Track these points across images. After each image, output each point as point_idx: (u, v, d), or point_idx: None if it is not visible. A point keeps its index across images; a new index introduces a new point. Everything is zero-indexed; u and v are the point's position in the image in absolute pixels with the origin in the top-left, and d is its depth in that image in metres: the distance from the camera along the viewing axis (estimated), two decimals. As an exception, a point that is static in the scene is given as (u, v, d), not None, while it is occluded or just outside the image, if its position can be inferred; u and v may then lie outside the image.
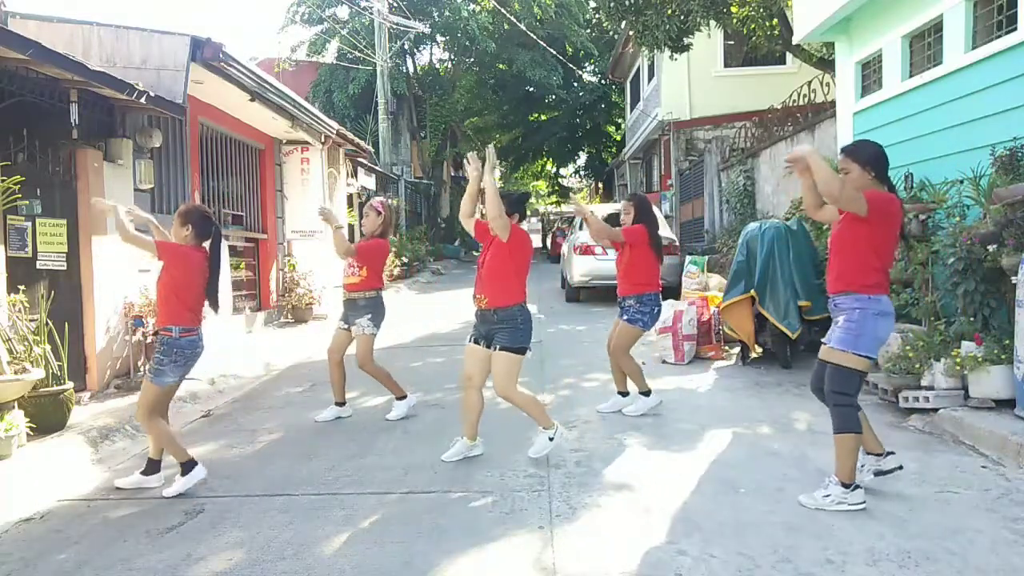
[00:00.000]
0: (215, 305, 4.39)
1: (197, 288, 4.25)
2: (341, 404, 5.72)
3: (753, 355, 7.32)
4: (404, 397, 5.68)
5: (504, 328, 4.36)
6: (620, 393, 5.59)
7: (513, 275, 4.42)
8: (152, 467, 4.31)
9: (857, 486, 3.63)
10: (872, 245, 3.57)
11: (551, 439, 4.47)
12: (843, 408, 3.61)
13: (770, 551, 3.19)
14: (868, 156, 3.66)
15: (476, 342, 4.50)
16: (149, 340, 6.94)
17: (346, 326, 5.59)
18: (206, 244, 4.34)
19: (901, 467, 3.87)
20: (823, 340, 3.75)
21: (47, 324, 5.47)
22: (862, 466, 3.85)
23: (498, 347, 4.36)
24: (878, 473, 3.85)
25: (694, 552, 3.20)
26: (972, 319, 5.18)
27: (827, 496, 3.63)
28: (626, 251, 5.43)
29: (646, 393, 5.51)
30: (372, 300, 5.56)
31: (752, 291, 6.90)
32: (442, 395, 6.36)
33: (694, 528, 3.45)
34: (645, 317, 5.38)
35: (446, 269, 21.59)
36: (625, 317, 5.42)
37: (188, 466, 4.18)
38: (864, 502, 3.60)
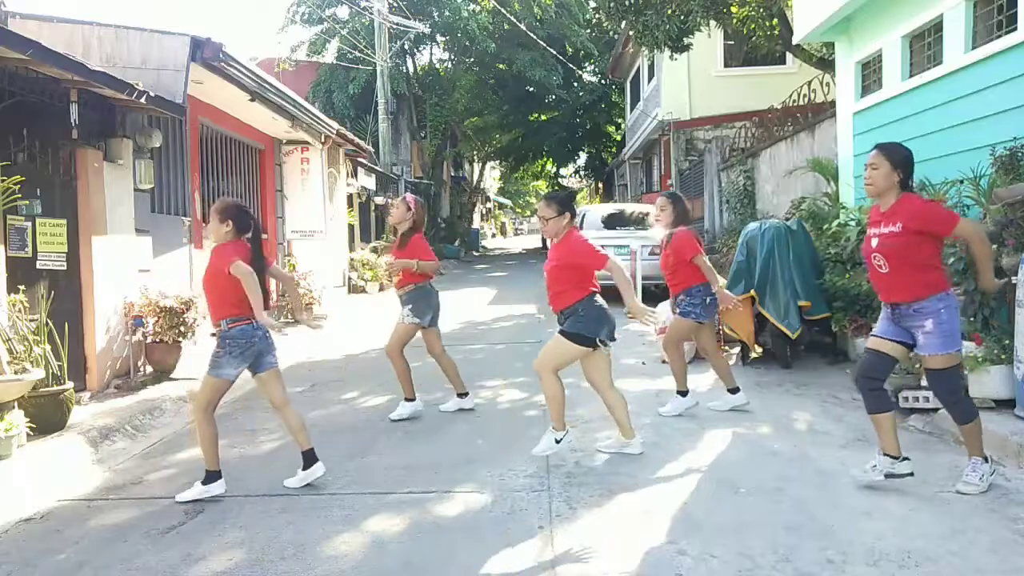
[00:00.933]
0: (267, 297, 4.25)
1: (235, 281, 4.10)
2: (411, 400, 5.70)
3: (753, 355, 7.31)
4: (412, 400, 5.68)
5: (569, 320, 4.38)
6: (679, 393, 5.58)
7: (567, 283, 4.40)
8: (211, 476, 4.15)
9: (988, 458, 3.82)
10: (936, 249, 3.78)
11: (557, 441, 4.42)
12: (961, 402, 3.81)
13: (770, 551, 3.19)
14: (900, 159, 3.75)
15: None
16: (150, 340, 6.95)
17: (400, 320, 5.69)
18: (246, 238, 4.24)
19: (911, 474, 3.87)
20: (880, 335, 3.88)
21: (47, 324, 5.46)
22: (874, 466, 3.88)
23: (557, 331, 4.43)
24: (889, 475, 3.86)
25: (694, 552, 3.20)
26: (972, 319, 5.17)
27: (981, 477, 3.76)
28: (668, 253, 5.45)
29: (684, 393, 5.54)
30: (413, 293, 5.62)
31: (752, 291, 6.90)
32: (442, 395, 6.35)
33: (694, 528, 3.45)
34: (697, 308, 5.39)
35: (446, 269, 21.57)
36: (678, 311, 5.50)
37: (212, 476, 4.11)
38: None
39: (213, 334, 4.18)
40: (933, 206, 3.83)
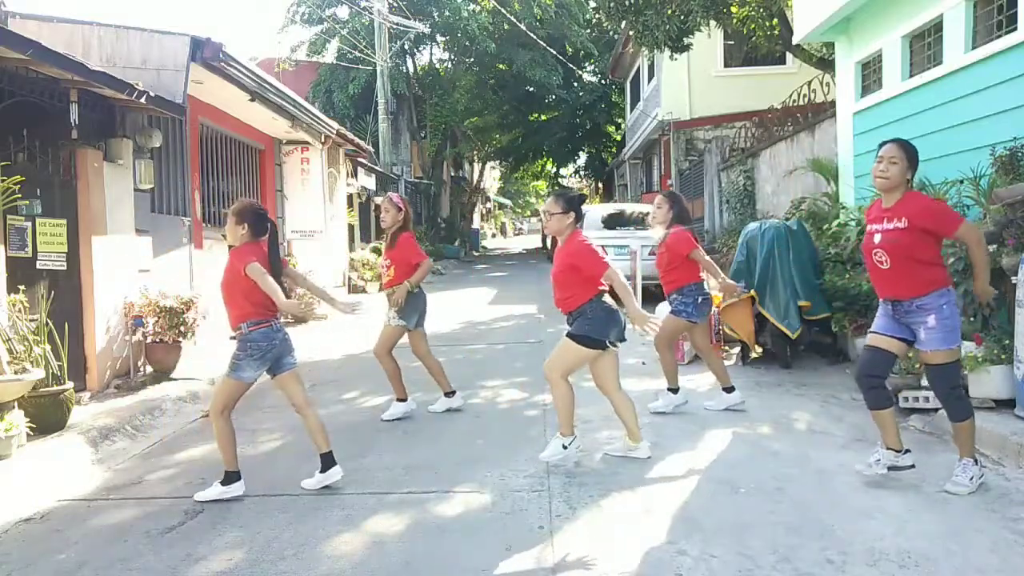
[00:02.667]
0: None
1: (252, 283, 4.11)
2: (403, 400, 5.71)
3: (753, 355, 7.31)
4: (404, 400, 5.68)
5: (577, 322, 4.37)
6: (670, 390, 5.60)
7: (575, 285, 4.37)
8: (230, 477, 4.14)
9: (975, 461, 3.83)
10: (938, 247, 3.80)
11: (565, 447, 4.37)
12: (959, 399, 3.81)
13: (770, 551, 3.19)
14: (914, 156, 3.82)
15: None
16: (150, 340, 6.95)
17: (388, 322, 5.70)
18: (263, 240, 4.22)
19: (913, 466, 3.93)
20: (878, 331, 3.89)
21: (47, 324, 5.47)
22: (878, 460, 3.91)
23: (565, 334, 4.41)
24: (892, 468, 3.92)
25: (694, 552, 3.20)
26: (972, 319, 5.18)
27: (971, 477, 3.77)
28: (664, 252, 5.48)
29: (675, 390, 5.57)
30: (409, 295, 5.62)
31: (752, 291, 6.90)
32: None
33: (694, 528, 3.45)
34: (689, 307, 5.41)
35: (446, 269, 21.59)
36: (671, 310, 5.52)
37: (232, 477, 4.10)
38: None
39: (233, 337, 4.17)
40: (941, 204, 3.89)
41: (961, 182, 5.82)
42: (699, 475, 4.18)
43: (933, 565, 3.03)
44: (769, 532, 3.38)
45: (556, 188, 46.06)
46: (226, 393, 4.13)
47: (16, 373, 4.98)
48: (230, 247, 4.29)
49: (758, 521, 3.50)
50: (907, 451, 3.93)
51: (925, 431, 4.86)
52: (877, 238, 3.82)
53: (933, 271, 3.74)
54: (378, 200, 18.41)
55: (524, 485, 4.10)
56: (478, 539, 3.43)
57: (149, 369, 7.03)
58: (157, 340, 6.91)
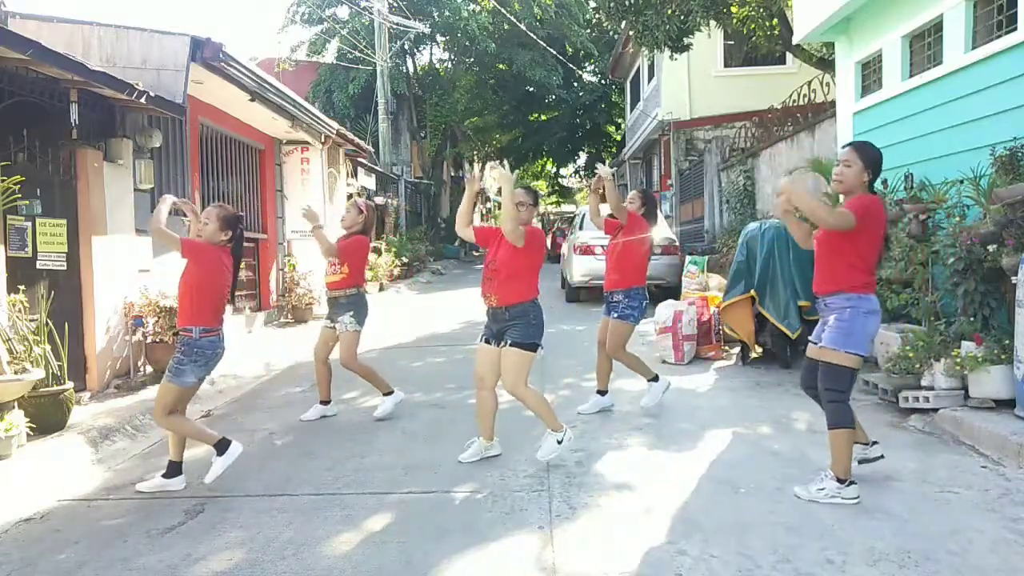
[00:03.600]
0: (232, 302, 4.41)
1: (223, 288, 4.26)
2: (326, 403, 5.74)
3: (753, 355, 7.32)
4: (391, 393, 5.69)
5: (516, 324, 4.31)
6: (600, 392, 5.60)
7: (525, 272, 4.37)
8: (173, 469, 4.26)
9: (852, 482, 3.68)
10: (858, 250, 3.68)
11: (559, 442, 4.39)
12: (837, 404, 3.70)
13: (770, 551, 3.19)
14: (872, 159, 3.73)
15: (487, 342, 4.46)
16: (150, 340, 6.95)
17: (332, 325, 5.63)
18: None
19: (882, 456, 4.00)
20: (812, 339, 3.87)
21: (47, 324, 5.46)
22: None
23: (508, 343, 4.31)
24: (862, 461, 3.97)
25: (694, 552, 3.20)
26: (972, 319, 5.17)
27: (821, 489, 3.70)
28: (619, 242, 5.43)
29: (654, 379, 5.55)
30: (354, 298, 5.59)
31: (752, 291, 6.90)
32: (442, 395, 6.36)
33: (694, 528, 3.45)
34: (635, 312, 5.40)
35: (446, 269, 21.60)
36: (615, 314, 5.42)
37: (223, 446, 4.21)
38: (858, 498, 3.64)
39: (176, 333, 4.21)
40: (860, 202, 3.66)
41: (961, 182, 5.82)
42: (699, 475, 4.18)
43: (933, 565, 3.02)
44: (769, 532, 3.38)
45: (558, 187, 46.14)
46: (168, 399, 4.16)
47: (16, 373, 4.98)
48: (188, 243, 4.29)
49: (758, 521, 3.50)
50: (874, 443, 4.02)
51: (925, 431, 4.86)
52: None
53: (847, 274, 3.66)
54: (379, 200, 18.43)
55: (524, 485, 4.10)
56: (478, 539, 3.43)
57: (149, 369, 7.03)
58: (157, 340, 6.91)
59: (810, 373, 3.89)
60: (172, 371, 4.15)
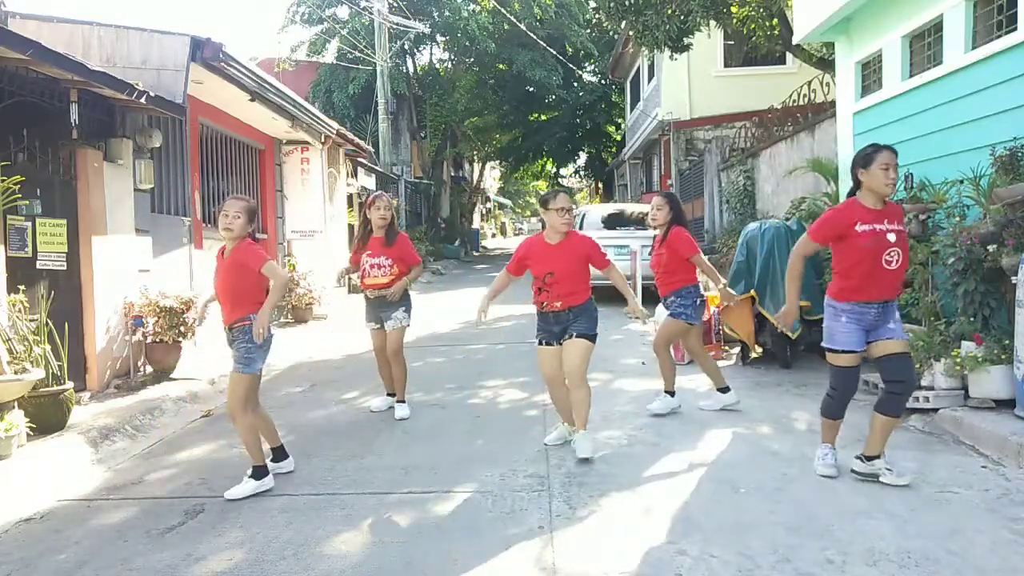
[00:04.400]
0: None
1: (263, 277, 4.21)
2: (394, 394, 5.81)
3: (753, 355, 7.32)
4: (393, 395, 5.80)
5: (580, 319, 4.54)
6: (667, 392, 5.58)
7: (582, 275, 4.61)
8: (279, 453, 4.43)
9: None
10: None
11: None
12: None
13: (770, 551, 3.19)
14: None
15: (549, 344, 4.63)
16: (150, 340, 6.95)
17: (378, 325, 5.66)
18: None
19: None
20: (890, 337, 3.89)
21: (47, 324, 5.47)
22: (890, 468, 3.97)
23: (575, 334, 4.51)
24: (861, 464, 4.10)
25: (694, 552, 3.20)
26: (972, 319, 5.17)
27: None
28: (663, 252, 5.47)
29: (671, 393, 5.55)
30: (405, 294, 5.66)
31: (752, 291, 6.90)
32: (442, 395, 6.36)
33: (694, 528, 3.45)
34: (688, 310, 5.41)
35: (446, 269, 21.59)
36: (669, 312, 5.52)
37: (280, 454, 4.39)
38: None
39: (231, 328, 4.18)
40: (819, 226, 4.05)
41: (961, 182, 5.82)
42: (699, 475, 4.18)
43: (933, 565, 3.02)
44: (769, 532, 3.38)
45: (558, 187, 46.08)
46: (245, 390, 4.18)
47: (16, 373, 4.98)
48: (225, 246, 4.27)
49: (758, 521, 3.50)
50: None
51: (925, 431, 4.86)
52: (892, 237, 3.81)
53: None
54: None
55: (524, 485, 4.10)
56: (478, 539, 3.43)
57: (149, 369, 7.04)
58: (157, 340, 6.91)
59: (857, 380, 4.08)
60: (241, 362, 4.14)
